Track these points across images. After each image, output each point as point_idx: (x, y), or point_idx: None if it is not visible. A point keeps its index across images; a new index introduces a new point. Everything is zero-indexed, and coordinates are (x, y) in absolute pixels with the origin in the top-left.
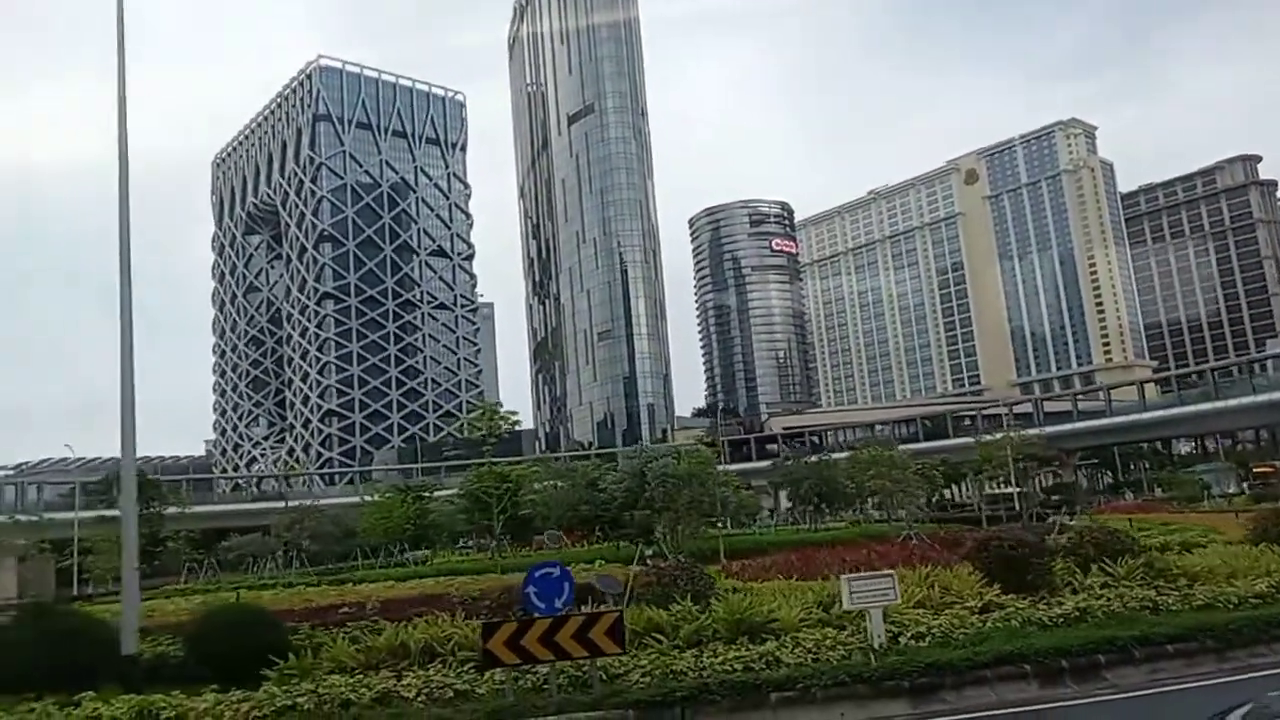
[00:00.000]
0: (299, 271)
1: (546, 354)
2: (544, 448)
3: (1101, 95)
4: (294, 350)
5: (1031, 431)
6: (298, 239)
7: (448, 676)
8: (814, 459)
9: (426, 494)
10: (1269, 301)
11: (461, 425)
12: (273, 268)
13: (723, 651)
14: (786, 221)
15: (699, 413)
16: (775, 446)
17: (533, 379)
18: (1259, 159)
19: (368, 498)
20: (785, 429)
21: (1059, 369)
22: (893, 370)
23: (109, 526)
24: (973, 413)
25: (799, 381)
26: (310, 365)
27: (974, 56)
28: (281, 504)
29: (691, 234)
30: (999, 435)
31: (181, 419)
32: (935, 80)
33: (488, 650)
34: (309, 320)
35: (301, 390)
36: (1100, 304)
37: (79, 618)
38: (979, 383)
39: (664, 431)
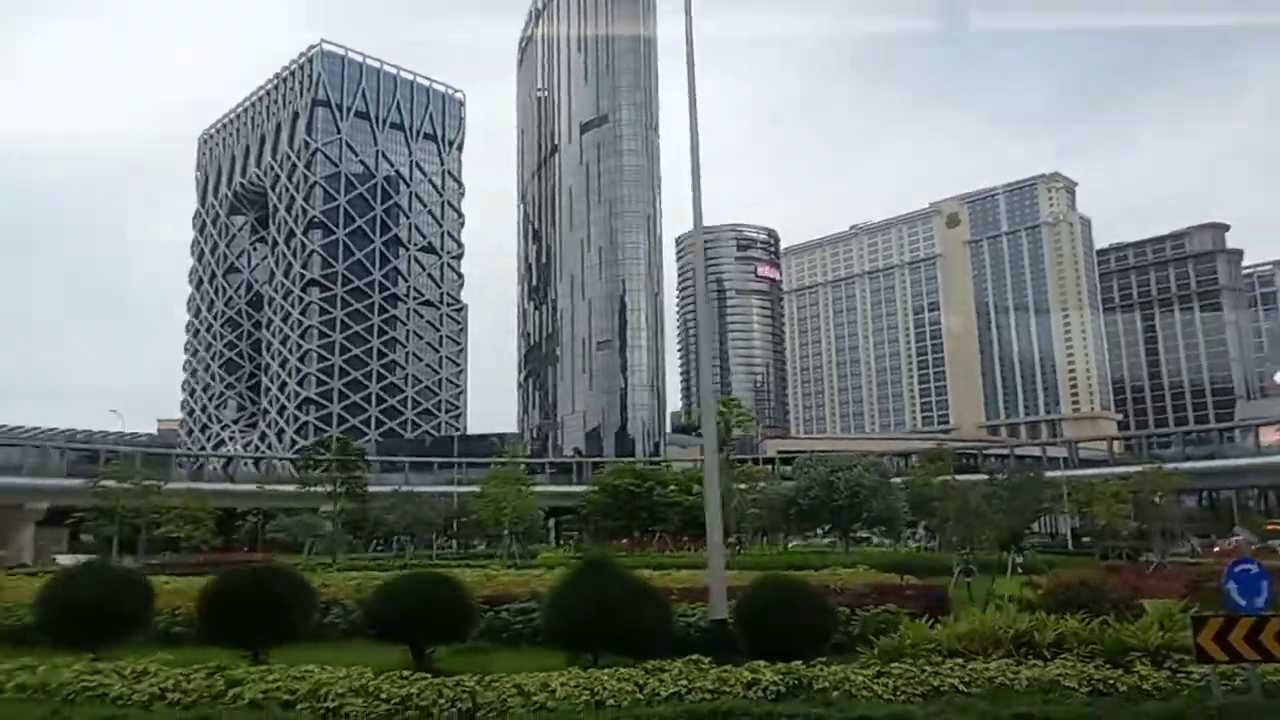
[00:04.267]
0: (285, 256)
1: (540, 359)
2: (529, 452)
3: (1074, 147)
4: (274, 335)
5: (1181, 466)
6: (286, 223)
7: (1083, 668)
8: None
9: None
10: (1228, 366)
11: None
12: (255, 250)
13: None
14: (772, 248)
15: (676, 429)
16: (770, 468)
17: (521, 384)
18: (1227, 227)
19: (461, 489)
20: (780, 452)
21: (1027, 414)
22: (864, 403)
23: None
24: (1004, 452)
25: (774, 407)
26: (291, 351)
27: (955, 104)
28: (327, 488)
29: (678, 253)
30: (1134, 468)
31: (139, 396)
32: (915, 125)
33: (1199, 644)
34: (293, 306)
35: (279, 376)
36: (1071, 355)
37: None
38: (947, 421)
39: (656, 445)
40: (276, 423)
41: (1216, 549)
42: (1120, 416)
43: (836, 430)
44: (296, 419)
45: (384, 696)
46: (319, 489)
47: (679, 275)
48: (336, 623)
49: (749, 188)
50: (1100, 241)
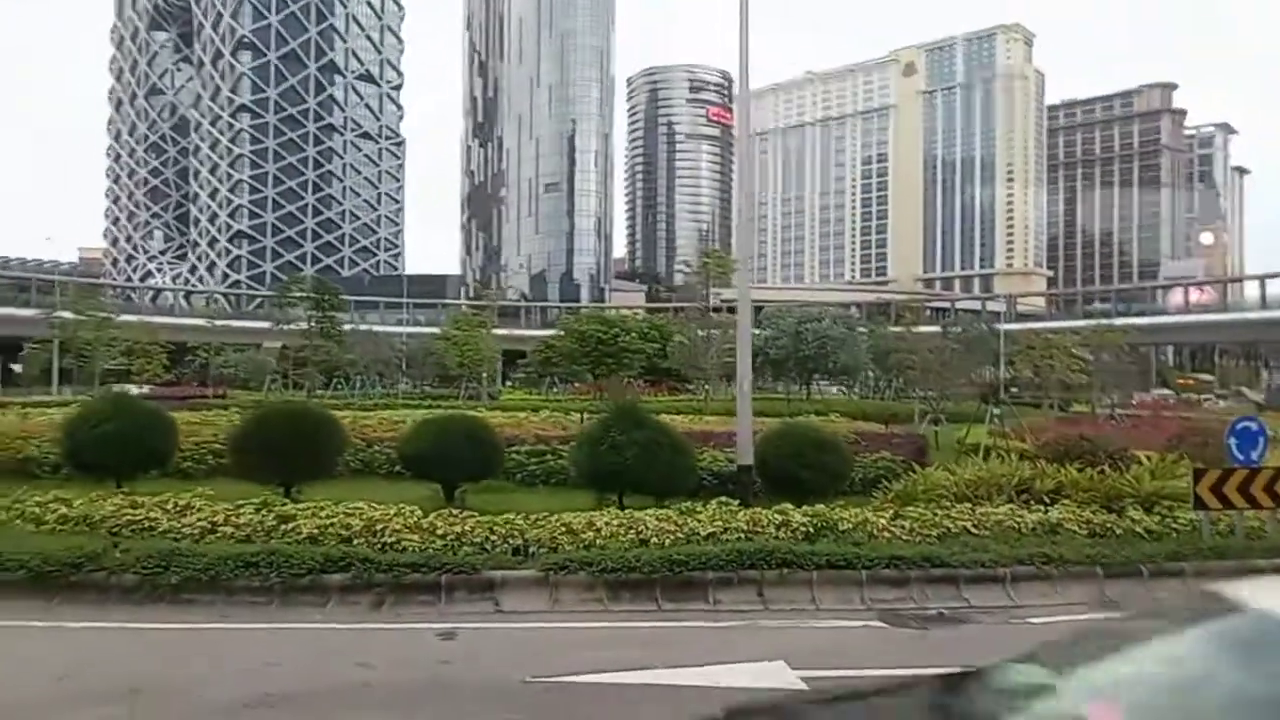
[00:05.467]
0: (212, 79)
1: (484, 199)
2: (471, 294)
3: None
4: (201, 163)
5: (1121, 321)
6: (213, 42)
7: (1081, 513)
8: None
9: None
10: (1159, 227)
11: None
12: (180, 69)
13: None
14: (725, 92)
15: (620, 275)
16: (718, 316)
17: (464, 225)
18: (1175, 86)
19: (433, 330)
20: (723, 300)
21: (963, 268)
22: (805, 253)
23: None
24: (944, 305)
25: (703, 256)
26: (221, 181)
27: None
28: (288, 325)
29: (628, 93)
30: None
31: (60, 223)
32: None
33: (1196, 493)
34: (221, 133)
35: (209, 207)
36: (1011, 210)
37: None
38: (886, 273)
39: (601, 291)
40: (207, 255)
41: (1136, 402)
42: (1050, 273)
43: (777, 280)
44: (228, 252)
45: (439, 533)
46: (294, 326)
47: (629, 117)
48: (360, 460)
49: (707, 28)
50: (1053, 97)
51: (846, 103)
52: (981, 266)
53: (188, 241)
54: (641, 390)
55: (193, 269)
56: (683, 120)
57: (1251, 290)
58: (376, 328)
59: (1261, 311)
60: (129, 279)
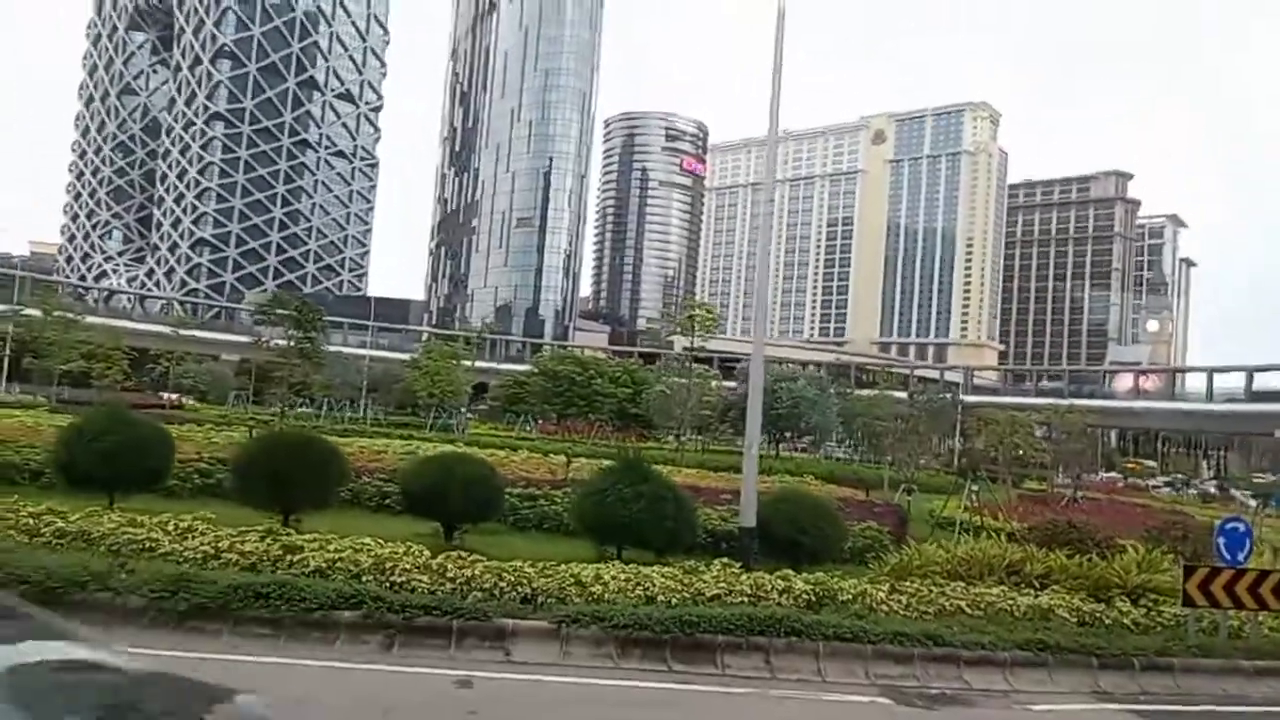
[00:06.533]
0: (189, 84)
1: (455, 228)
2: (434, 321)
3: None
4: (170, 167)
5: (1083, 403)
6: (192, 48)
7: (1071, 600)
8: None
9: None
10: (1107, 310)
11: (669, 320)
12: (155, 72)
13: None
14: (700, 143)
15: (584, 314)
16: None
17: (433, 251)
18: (1131, 176)
19: (401, 355)
20: (685, 349)
21: (919, 335)
22: (767, 310)
23: None
24: (904, 371)
25: (681, 304)
26: (188, 187)
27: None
28: (271, 342)
29: (605, 135)
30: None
31: (17, 214)
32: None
33: (1186, 590)
34: (193, 139)
35: (173, 212)
36: (968, 282)
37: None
38: (844, 334)
39: (565, 330)
40: (166, 260)
41: (1086, 484)
42: (1003, 347)
43: (738, 332)
44: (189, 259)
45: (449, 575)
46: (276, 343)
47: (604, 158)
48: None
49: (686, 78)
50: (1015, 176)
51: (815, 163)
52: (937, 335)
53: (148, 245)
54: (609, 435)
55: (150, 273)
56: (656, 167)
57: (1195, 381)
58: (344, 349)
59: (1207, 404)
60: (82, 277)
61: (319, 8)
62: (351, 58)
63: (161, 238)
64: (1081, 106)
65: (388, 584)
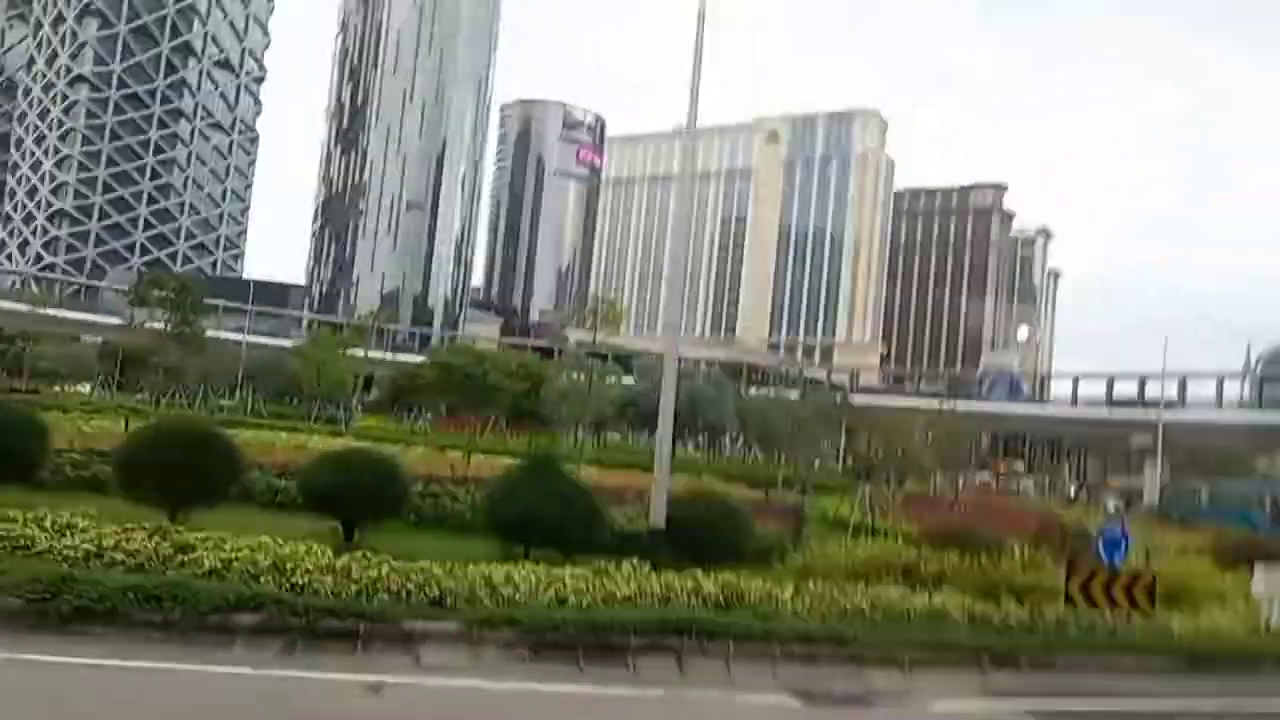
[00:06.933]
0: (50, 42)
1: (340, 209)
2: (316, 306)
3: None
4: (26, 132)
5: (962, 406)
6: (55, 4)
7: (961, 599)
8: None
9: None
10: (983, 316)
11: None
12: (11, 28)
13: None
14: (597, 134)
15: (475, 304)
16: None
17: (315, 233)
18: (1005, 188)
19: (283, 343)
20: (578, 342)
21: (807, 335)
22: (659, 303)
23: None
24: (785, 368)
25: (574, 297)
26: (46, 155)
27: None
28: (146, 324)
29: (501, 121)
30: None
31: None
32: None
33: (1067, 591)
34: (54, 102)
35: (29, 179)
36: (855, 285)
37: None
38: (735, 332)
39: (455, 320)
40: (20, 232)
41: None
42: (885, 349)
43: (633, 326)
44: (45, 231)
45: (354, 577)
46: (151, 325)
47: (498, 144)
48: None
49: (584, 68)
50: (900, 183)
51: (711, 160)
52: (824, 335)
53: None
54: (504, 431)
55: (1, 245)
56: (552, 156)
57: (1059, 388)
58: (220, 334)
59: (1073, 410)
60: None
61: None
62: (232, 24)
63: (15, 207)
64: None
65: (288, 585)
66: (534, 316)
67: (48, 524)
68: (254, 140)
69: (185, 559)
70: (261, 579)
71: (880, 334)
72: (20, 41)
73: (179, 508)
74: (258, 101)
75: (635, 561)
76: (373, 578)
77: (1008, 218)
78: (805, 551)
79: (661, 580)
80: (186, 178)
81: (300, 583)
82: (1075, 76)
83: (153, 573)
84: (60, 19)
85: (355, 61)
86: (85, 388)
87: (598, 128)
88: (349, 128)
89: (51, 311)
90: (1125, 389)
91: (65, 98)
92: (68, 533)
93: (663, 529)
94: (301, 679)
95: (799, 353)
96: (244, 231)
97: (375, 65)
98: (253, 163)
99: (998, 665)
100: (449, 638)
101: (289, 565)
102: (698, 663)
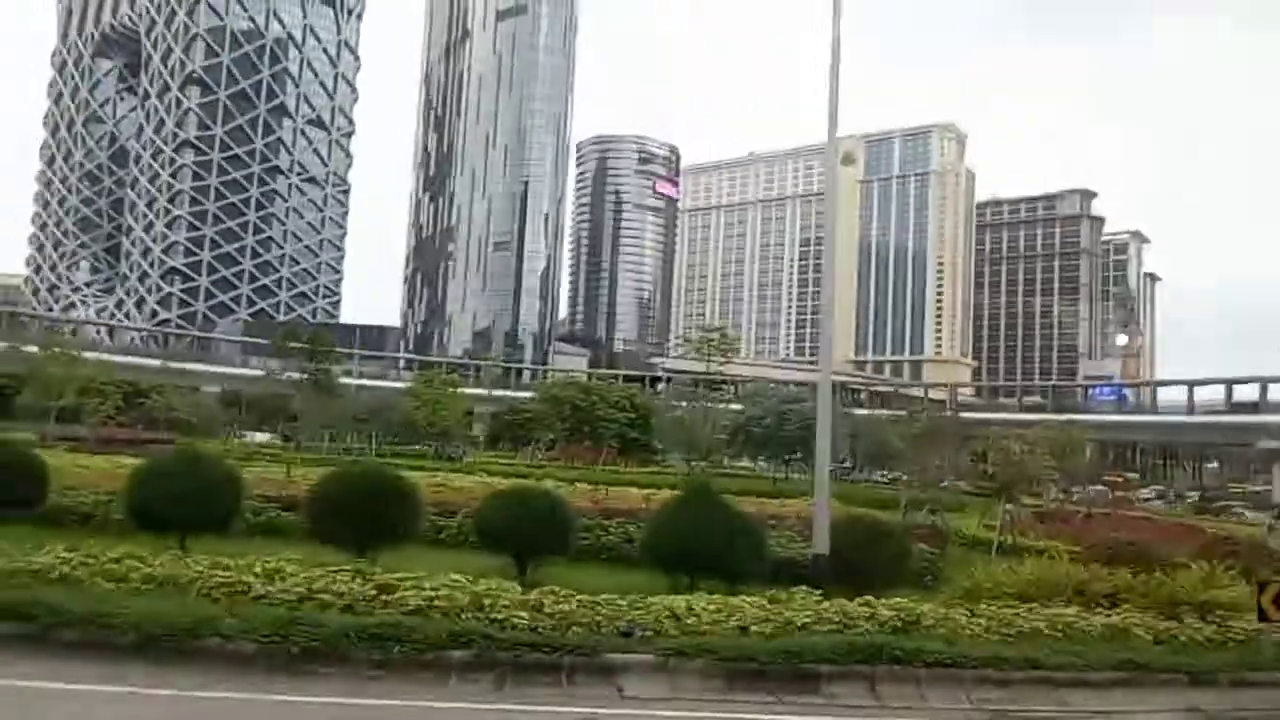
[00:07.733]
0: (157, 112)
1: (431, 254)
2: (411, 348)
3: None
4: (139, 196)
5: (1073, 417)
6: (160, 76)
7: (1143, 618)
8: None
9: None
10: (1077, 325)
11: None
12: (123, 99)
13: None
14: (673, 165)
15: (560, 337)
16: (663, 387)
17: (408, 277)
18: (1095, 194)
19: (397, 385)
20: (666, 371)
21: (893, 353)
22: (743, 328)
23: None
24: (888, 389)
25: (656, 326)
26: (158, 216)
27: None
28: (283, 375)
29: (578, 159)
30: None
31: None
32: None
33: (1261, 605)
34: (163, 167)
35: (143, 241)
36: (940, 300)
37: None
38: (818, 353)
39: (545, 354)
40: (136, 290)
41: (1076, 498)
42: (975, 363)
43: (715, 352)
44: (159, 289)
45: (548, 611)
46: (288, 376)
47: (577, 181)
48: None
49: (659, 101)
50: (981, 194)
51: (787, 184)
52: (911, 352)
53: (116, 275)
54: (615, 460)
55: (120, 303)
56: (629, 190)
57: (1167, 394)
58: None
59: (1189, 416)
60: (50, 309)
61: (289, 34)
62: (322, 83)
63: (131, 267)
64: (1046, 123)
65: (488, 621)
66: (618, 347)
67: (258, 570)
68: (346, 192)
69: (388, 599)
70: (463, 616)
71: (970, 348)
72: (130, 112)
73: (365, 549)
74: (348, 154)
75: (806, 589)
76: (565, 611)
77: (1098, 223)
78: (970, 573)
79: (837, 607)
80: (286, 231)
81: (500, 618)
82: (1172, 86)
83: (362, 613)
84: (166, 88)
85: (439, 111)
86: (255, 435)
87: (673, 159)
88: (435, 174)
89: (182, 365)
90: (1247, 394)
91: (173, 162)
92: (278, 578)
93: (825, 554)
94: (518, 712)
95: (887, 370)
96: (341, 279)
97: (458, 113)
98: (346, 213)
99: (1195, 684)
100: (646, 669)
101: (486, 602)
102: (891, 689)
